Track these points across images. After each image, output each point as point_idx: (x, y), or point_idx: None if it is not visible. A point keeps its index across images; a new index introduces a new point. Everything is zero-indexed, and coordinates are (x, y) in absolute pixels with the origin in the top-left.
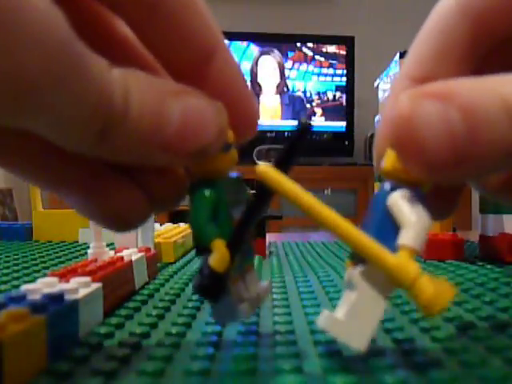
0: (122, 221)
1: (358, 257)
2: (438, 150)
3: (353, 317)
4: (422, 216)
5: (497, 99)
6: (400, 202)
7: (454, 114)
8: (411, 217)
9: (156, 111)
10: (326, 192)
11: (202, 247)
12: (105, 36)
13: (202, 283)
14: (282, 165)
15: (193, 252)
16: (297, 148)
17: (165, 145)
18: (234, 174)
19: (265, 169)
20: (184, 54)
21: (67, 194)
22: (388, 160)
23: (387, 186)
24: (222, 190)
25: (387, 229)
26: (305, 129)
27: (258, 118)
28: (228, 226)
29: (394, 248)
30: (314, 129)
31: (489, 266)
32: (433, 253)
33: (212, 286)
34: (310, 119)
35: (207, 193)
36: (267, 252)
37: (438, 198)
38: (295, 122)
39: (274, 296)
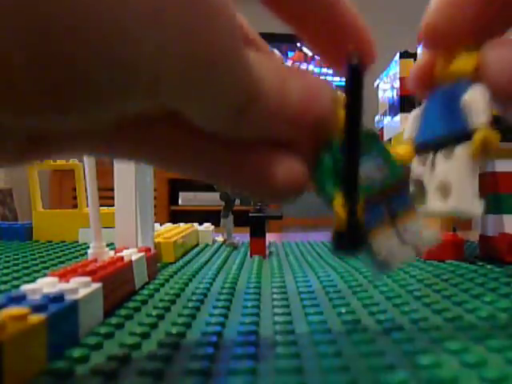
0: (282, 193)
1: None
2: None
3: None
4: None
5: None
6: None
7: None
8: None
9: (280, 87)
10: None
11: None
12: None
13: (331, 242)
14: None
15: (193, 252)
16: (357, 94)
17: (288, 117)
18: (364, 128)
19: None
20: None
21: (225, 177)
22: (467, 61)
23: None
24: (337, 150)
25: (452, 113)
26: (357, 71)
27: (374, 46)
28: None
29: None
30: None
31: (489, 266)
32: (433, 253)
33: (337, 245)
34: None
35: (324, 157)
36: (267, 252)
37: None
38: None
39: (274, 296)
